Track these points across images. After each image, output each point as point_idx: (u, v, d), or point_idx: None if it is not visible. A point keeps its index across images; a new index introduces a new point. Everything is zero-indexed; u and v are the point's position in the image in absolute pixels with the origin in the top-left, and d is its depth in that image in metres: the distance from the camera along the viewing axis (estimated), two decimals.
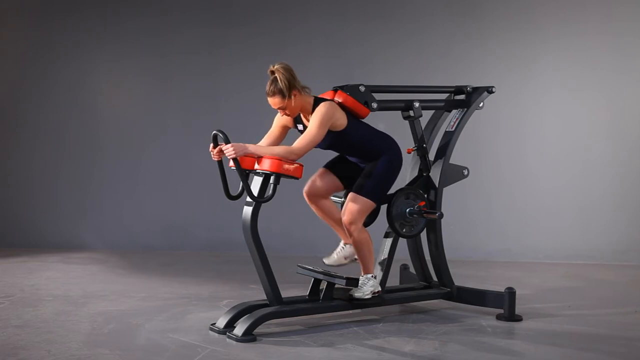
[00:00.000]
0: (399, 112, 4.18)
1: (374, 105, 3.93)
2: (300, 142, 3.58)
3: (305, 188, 3.93)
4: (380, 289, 3.88)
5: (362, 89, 3.90)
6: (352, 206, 3.75)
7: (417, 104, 4.11)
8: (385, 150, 3.83)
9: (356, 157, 3.90)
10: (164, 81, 6.66)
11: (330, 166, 3.98)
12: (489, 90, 4.29)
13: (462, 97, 4.33)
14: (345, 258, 3.96)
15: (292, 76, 3.60)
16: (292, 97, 3.61)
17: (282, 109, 3.65)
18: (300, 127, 3.81)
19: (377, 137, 3.86)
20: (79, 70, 6.67)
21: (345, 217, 3.76)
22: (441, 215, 4.00)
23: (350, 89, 3.86)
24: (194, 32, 6.56)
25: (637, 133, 6.27)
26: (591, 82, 6.30)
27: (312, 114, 3.66)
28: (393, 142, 3.90)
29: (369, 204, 3.77)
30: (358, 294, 3.78)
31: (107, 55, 6.67)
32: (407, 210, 3.96)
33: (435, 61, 6.36)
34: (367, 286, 3.81)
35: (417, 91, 4.27)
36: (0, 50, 6.72)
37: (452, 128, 4.25)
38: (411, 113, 4.11)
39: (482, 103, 4.30)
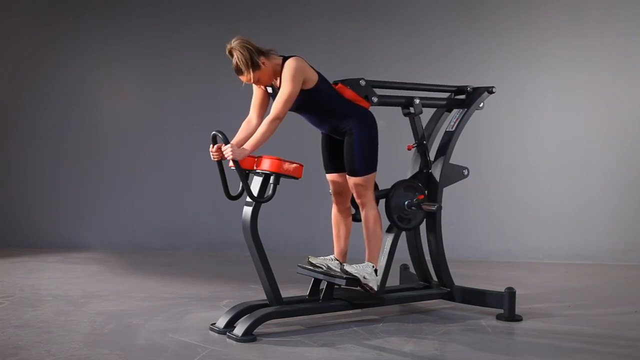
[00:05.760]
0: (400, 109, 4.17)
1: (375, 99, 3.92)
2: (276, 103, 3.53)
3: (334, 210, 3.98)
4: (376, 288, 3.77)
5: (362, 83, 3.89)
6: (356, 187, 3.76)
7: (417, 101, 4.10)
8: (354, 112, 3.76)
9: (328, 120, 3.78)
10: (164, 81, 6.66)
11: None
12: (489, 90, 4.29)
13: (462, 97, 4.34)
14: (327, 267, 3.88)
15: (252, 48, 3.53)
16: (262, 65, 3.55)
17: (257, 81, 3.61)
18: (270, 89, 3.73)
19: (344, 99, 3.79)
20: (79, 70, 6.67)
21: (354, 195, 3.79)
22: (439, 208, 4.00)
23: (350, 83, 3.85)
24: (194, 32, 6.56)
25: (636, 133, 6.27)
26: (591, 83, 6.29)
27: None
28: (360, 106, 3.85)
29: (368, 177, 3.76)
30: (350, 269, 3.70)
31: (107, 55, 6.67)
32: (406, 202, 3.96)
33: (435, 61, 6.36)
34: (363, 270, 3.72)
35: (418, 89, 4.26)
36: (0, 51, 6.72)
37: (452, 128, 4.25)
38: (411, 110, 4.10)
39: (482, 103, 4.30)
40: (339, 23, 6.52)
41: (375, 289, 3.78)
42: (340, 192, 3.94)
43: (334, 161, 3.92)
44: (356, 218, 4.00)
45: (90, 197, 6.65)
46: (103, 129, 6.69)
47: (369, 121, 3.80)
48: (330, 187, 3.97)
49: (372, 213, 3.80)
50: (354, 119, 3.75)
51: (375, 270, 3.80)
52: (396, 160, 4.66)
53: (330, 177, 3.96)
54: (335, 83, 3.87)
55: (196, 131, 6.28)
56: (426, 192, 4.07)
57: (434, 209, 3.98)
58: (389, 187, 3.97)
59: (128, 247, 6.45)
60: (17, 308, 4.02)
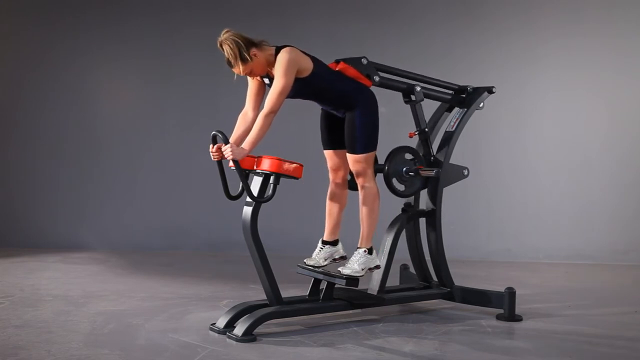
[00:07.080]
0: (401, 98, 4.16)
1: (376, 78, 3.89)
2: (269, 97, 3.51)
3: (331, 187, 3.93)
4: (378, 263, 3.80)
5: (364, 61, 3.87)
6: (356, 165, 3.74)
7: (418, 88, 4.08)
8: (355, 91, 3.75)
9: (327, 102, 3.79)
10: (164, 81, 6.66)
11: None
12: (490, 90, 4.29)
13: (463, 96, 4.33)
14: (325, 259, 3.89)
15: (242, 40, 3.51)
16: (253, 57, 3.54)
17: (249, 73, 3.60)
18: (266, 80, 3.72)
19: (344, 79, 3.79)
20: (79, 70, 6.67)
21: (354, 173, 3.77)
22: (438, 173, 3.99)
23: (352, 61, 3.84)
24: (194, 32, 6.56)
25: (636, 133, 6.27)
26: (591, 83, 6.31)
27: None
28: (361, 83, 3.83)
29: (369, 155, 3.74)
30: (346, 271, 3.70)
31: (107, 55, 6.67)
32: (404, 169, 3.97)
33: (435, 61, 6.36)
34: (357, 263, 3.72)
35: (418, 80, 4.24)
36: (0, 51, 6.72)
37: (452, 128, 4.25)
38: (412, 97, 4.09)
39: (482, 103, 4.30)
40: (339, 23, 6.52)
41: (379, 264, 3.82)
42: (338, 168, 3.90)
43: (333, 138, 3.88)
44: (351, 186, 3.94)
45: (90, 197, 6.66)
46: (103, 129, 6.69)
47: (370, 99, 3.77)
48: (328, 163, 3.93)
49: (371, 191, 3.77)
50: (355, 98, 3.73)
51: (370, 250, 3.78)
52: None
53: (327, 153, 3.93)
54: (337, 61, 3.86)
55: (196, 131, 6.29)
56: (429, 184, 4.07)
57: (432, 173, 3.96)
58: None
59: (128, 247, 6.45)
60: (17, 308, 4.02)
